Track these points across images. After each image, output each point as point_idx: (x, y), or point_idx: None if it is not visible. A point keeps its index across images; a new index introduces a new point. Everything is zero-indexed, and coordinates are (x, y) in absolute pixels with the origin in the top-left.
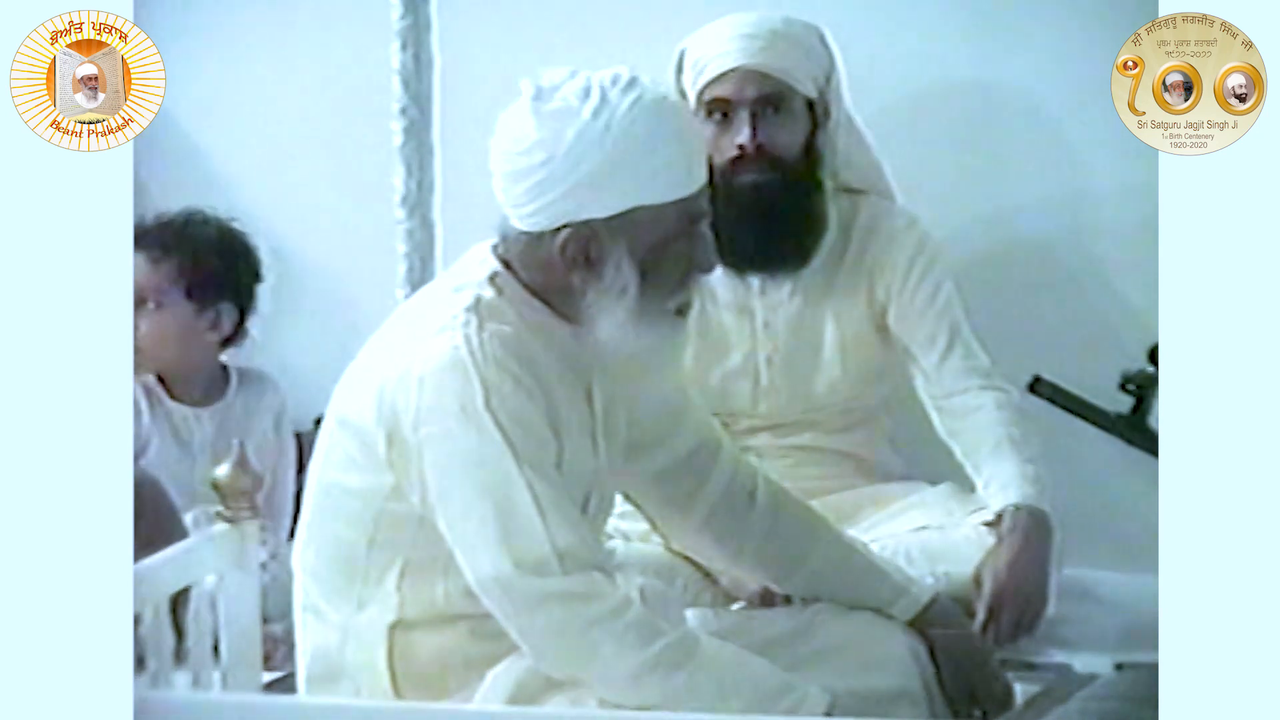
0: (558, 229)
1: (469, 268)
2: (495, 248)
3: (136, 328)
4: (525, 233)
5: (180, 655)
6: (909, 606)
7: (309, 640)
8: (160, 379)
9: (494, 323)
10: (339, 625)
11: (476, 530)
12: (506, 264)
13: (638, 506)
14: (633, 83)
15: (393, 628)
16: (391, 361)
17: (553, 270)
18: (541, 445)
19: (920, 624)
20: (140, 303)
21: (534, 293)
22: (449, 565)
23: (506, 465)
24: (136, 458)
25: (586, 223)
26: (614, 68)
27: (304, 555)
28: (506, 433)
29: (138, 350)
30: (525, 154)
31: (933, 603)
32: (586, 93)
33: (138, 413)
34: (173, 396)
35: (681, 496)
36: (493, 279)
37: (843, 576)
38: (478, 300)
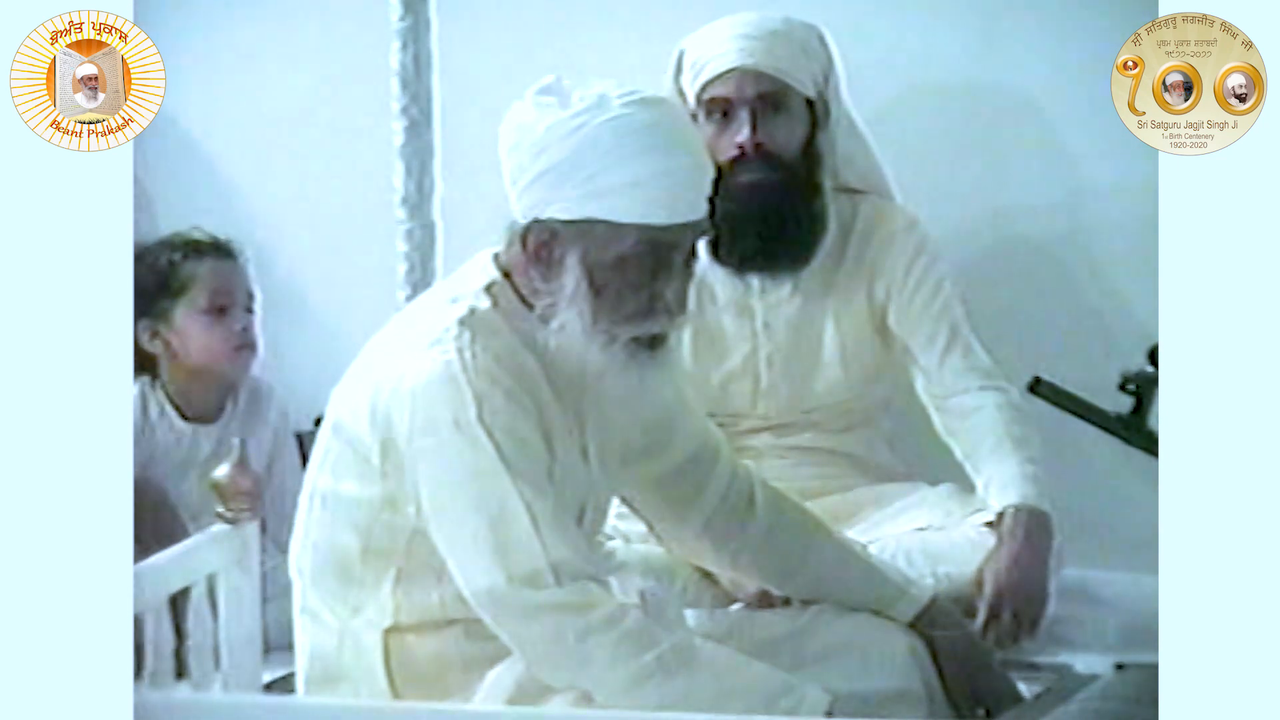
0: (530, 223)
1: (467, 276)
2: (496, 256)
3: (230, 328)
4: (512, 228)
5: (180, 655)
6: (909, 608)
7: (306, 643)
8: (166, 393)
9: (486, 336)
10: (335, 629)
11: (470, 543)
12: (506, 273)
13: (636, 512)
14: (646, 101)
15: (388, 632)
16: (386, 372)
17: (528, 271)
18: (534, 457)
19: (920, 625)
20: (243, 307)
21: (527, 302)
22: (443, 572)
23: (500, 478)
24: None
25: (550, 221)
26: (645, 89)
27: (300, 559)
28: (499, 445)
29: (242, 348)
30: (506, 135)
31: (932, 603)
32: (594, 96)
33: (139, 426)
34: (181, 414)
35: (680, 502)
36: (489, 289)
37: (842, 579)
38: (471, 312)
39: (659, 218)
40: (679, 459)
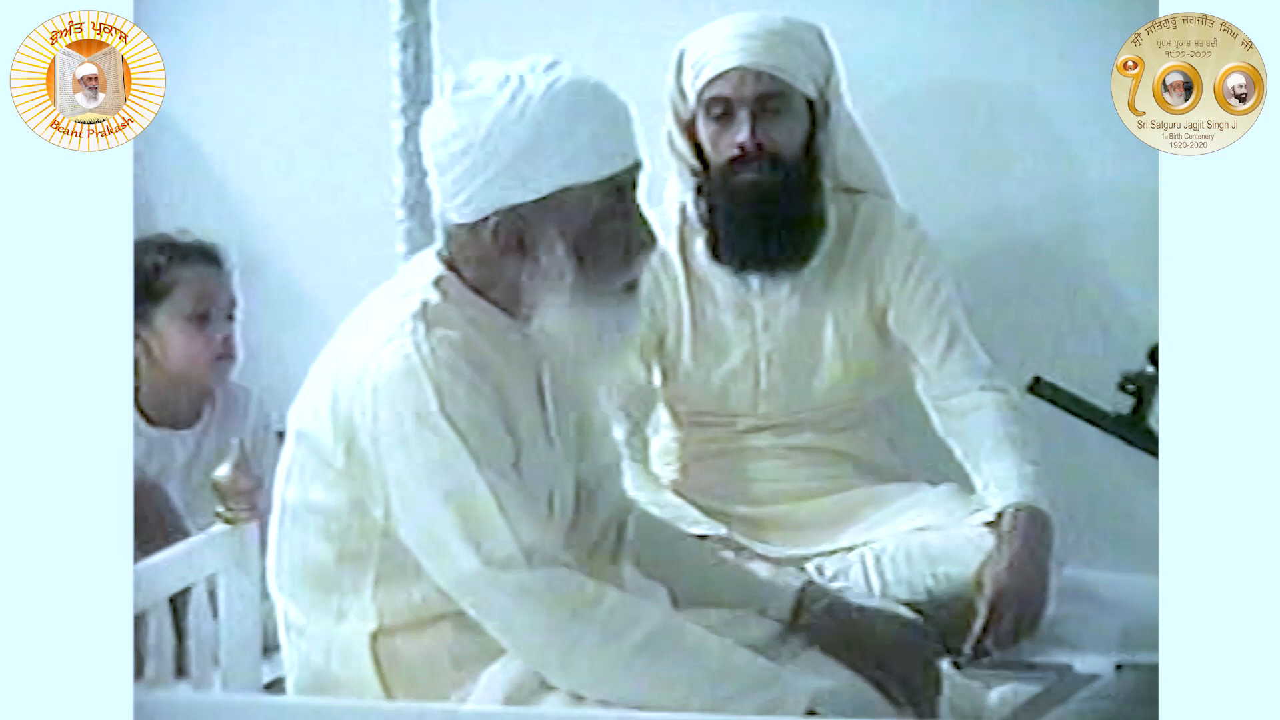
0: (488, 217)
1: (414, 274)
2: (439, 252)
3: (211, 337)
4: (461, 227)
5: (180, 655)
6: (783, 603)
7: (295, 659)
8: (136, 399)
9: (441, 327)
10: (321, 640)
11: (443, 533)
12: (451, 266)
13: None
14: (551, 66)
15: (375, 636)
16: (344, 373)
17: (493, 264)
18: (498, 446)
19: (801, 617)
20: (224, 314)
21: (479, 291)
22: (421, 569)
23: (466, 467)
24: None
25: (514, 209)
26: (535, 55)
27: (278, 576)
28: (464, 436)
29: (222, 358)
30: (445, 144)
31: (804, 591)
32: (505, 80)
33: None
34: (149, 420)
35: (587, 509)
36: (438, 282)
37: (716, 587)
38: (424, 305)
39: (618, 164)
40: (601, 465)
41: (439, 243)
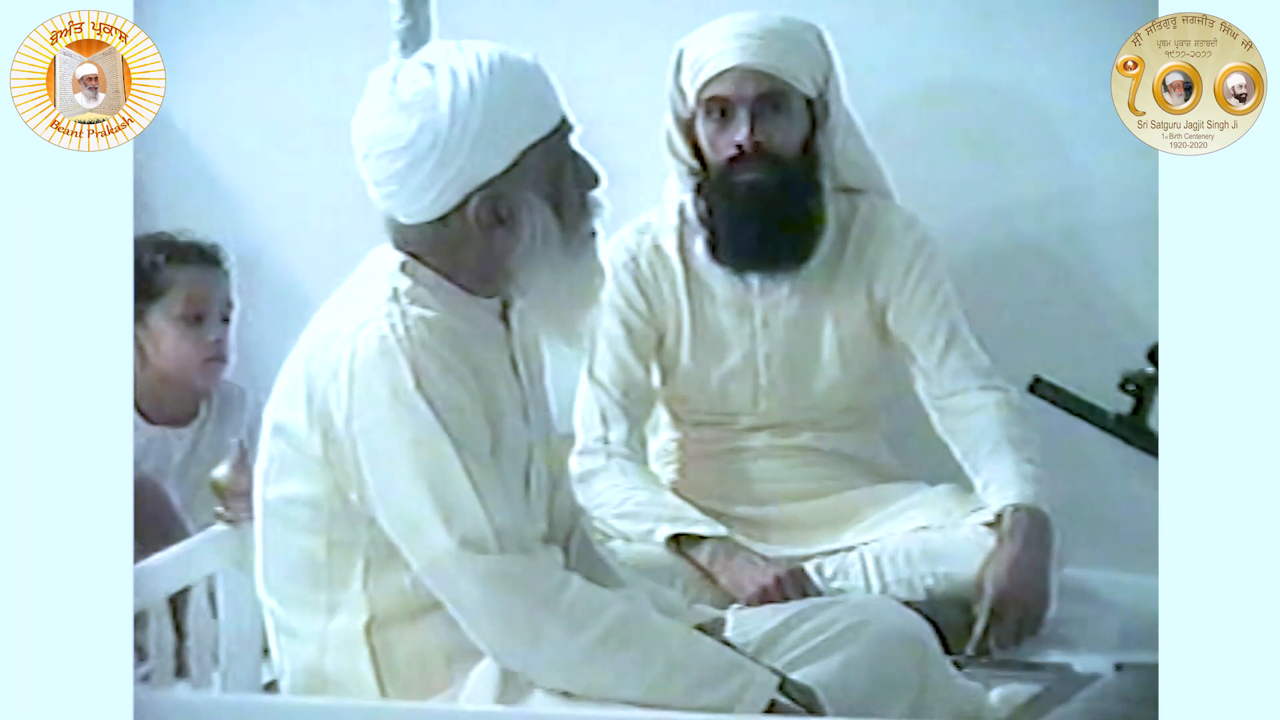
0: (463, 201)
1: (377, 265)
2: (396, 244)
3: (203, 339)
4: (428, 224)
5: (180, 655)
6: None
7: (288, 663)
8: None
9: (416, 308)
10: (314, 638)
11: (417, 511)
12: (412, 255)
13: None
14: (459, 47)
15: (368, 628)
16: (318, 361)
17: (459, 249)
18: (473, 428)
19: None
20: (219, 316)
21: (445, 276)
22: None
23: (441, 445)
24: None
25: (489, 183)
26: (423, 51)
27: (266, 579)
28: (439, 414)
29: (212, 360)
30: (410, 145)
31: None
32: (432, 69)
33: None
34: (147, 418)
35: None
36: (404, 268)
37: None
38: (395, 290)
39: (559, 110)
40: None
41: (390, 241)
